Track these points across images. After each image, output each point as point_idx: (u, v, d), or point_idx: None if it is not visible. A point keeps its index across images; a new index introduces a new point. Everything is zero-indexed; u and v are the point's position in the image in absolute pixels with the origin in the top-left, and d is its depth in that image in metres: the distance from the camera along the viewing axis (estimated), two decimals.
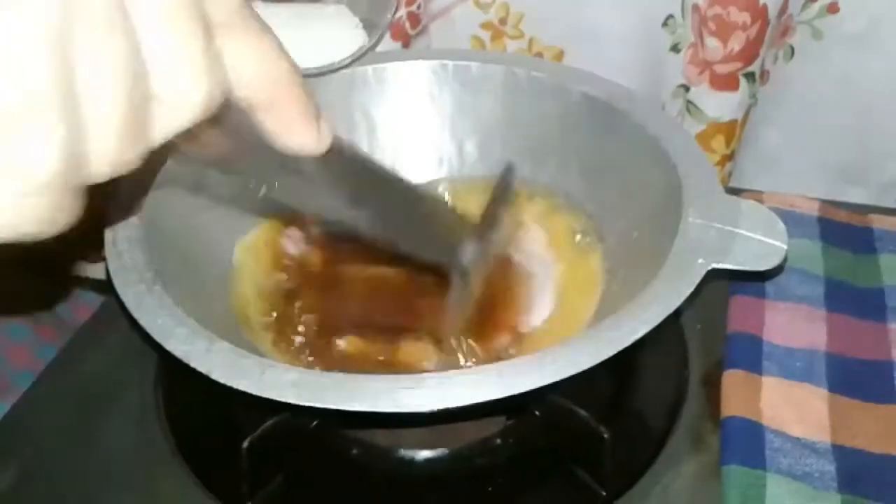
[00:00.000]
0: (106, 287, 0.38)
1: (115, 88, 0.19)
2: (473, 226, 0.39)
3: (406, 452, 0.42)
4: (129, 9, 0.19)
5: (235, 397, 0.32)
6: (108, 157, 0.20)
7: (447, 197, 0.53)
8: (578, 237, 0.49)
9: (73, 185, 0.19)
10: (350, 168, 0.31)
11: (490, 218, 0.40)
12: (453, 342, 0.42)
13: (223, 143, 0.25)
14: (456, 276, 0.37)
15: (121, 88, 0.19)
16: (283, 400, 0.32)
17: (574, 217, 0.49)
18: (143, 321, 0.35)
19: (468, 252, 0.37)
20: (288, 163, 0.27)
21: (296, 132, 0.25)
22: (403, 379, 0.33)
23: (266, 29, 0.23)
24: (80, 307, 0.65)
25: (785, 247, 0.38)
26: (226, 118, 0.24)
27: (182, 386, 0.45)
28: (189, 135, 0.22)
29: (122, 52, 0.19)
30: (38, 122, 0.18)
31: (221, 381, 0.32)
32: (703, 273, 0.36)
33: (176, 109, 0.21)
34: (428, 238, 0.37)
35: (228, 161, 0.26)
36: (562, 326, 0.43)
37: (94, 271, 0.60)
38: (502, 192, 0.42)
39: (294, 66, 0.24)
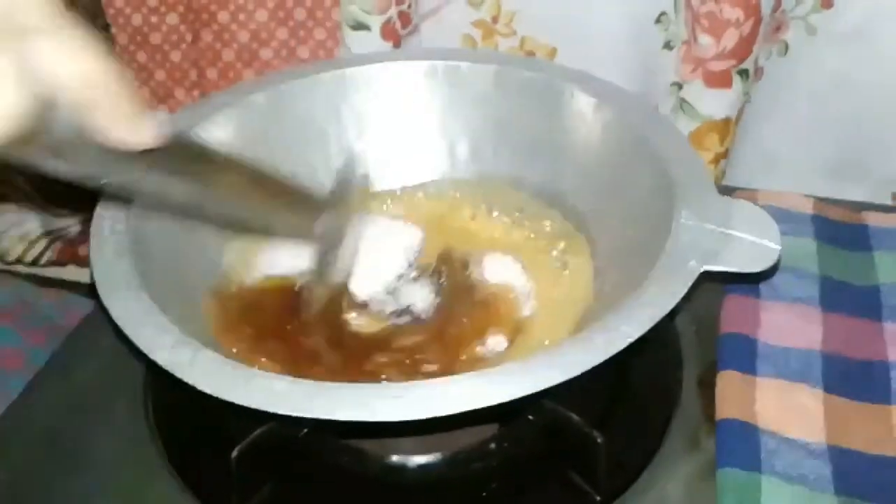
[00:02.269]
0: (96, 292, 0.37)
1: None
2: (325, 200, 0.42)
3: (398, 458, 0.42)
4: None
5: (223, 406, 0.32)
6: None
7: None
8: (564, 242, 0.48)
9: None
10: (188, 155, 0.33)
11: (337, 196, 0.43)
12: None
13: (50, 140, 0.26)
14: (316, 247, 0.41)
15: None
16: (270, 409, 0.31)
17: (565, 217, 0.49)
18: (129, 330, 0.35)
19: (322, 221, 0.41)
20: (119, 155, 0.28)
21: (117, 128, 0.26)
22: (392, 387, 0.32)
23: (88, 35, 0.24)
24: (72, 312, 0.64)
25: (778, 248, 0.38)
26: (49, 116, 0.25)
27: (171, 394, 0.44)
28: (17, 140, 0.23)
29: None
30: None
31: (208, 391, 0.32)
32: (695, 276, 0.36)
33: None
34: (281, 213, 0.40)
35: (61, 157, 0.27)
36: (551, 329, 0.43)
37: (85, 275, 0.60)
38: (345, 176, 0.45)
39: (111, 64, 0.25)
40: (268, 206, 0.39)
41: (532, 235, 0.50)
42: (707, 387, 0.45)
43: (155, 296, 0.37)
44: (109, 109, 0.26)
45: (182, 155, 0.33)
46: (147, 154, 0.29)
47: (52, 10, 0.23)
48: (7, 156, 0.24)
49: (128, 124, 0.27)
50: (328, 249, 0.42)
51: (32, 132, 0.24)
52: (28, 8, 0.22)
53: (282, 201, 0.40)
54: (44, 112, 0.24)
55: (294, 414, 0.31)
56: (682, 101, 0.61)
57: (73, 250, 0.82)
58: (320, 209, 0.41)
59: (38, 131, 0.24)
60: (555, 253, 0.48)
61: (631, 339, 0.33)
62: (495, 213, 0.51)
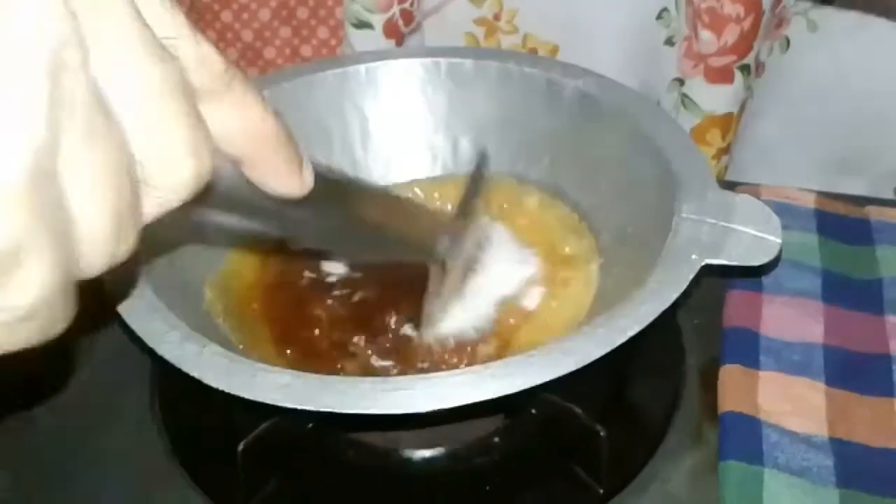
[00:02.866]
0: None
1: (105, 194, 0.18)
2: (448, 219, 0.40)
3: (403, 452, 0.42)
4: (110, 102, 0.19)
5: (230, 400, 0.32)
6: (100, 260, 0.19)
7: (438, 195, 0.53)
8: (570, 235, 0.48)
9: (66, 294, 0.19)
10: (329, 197, 0.31)
11: (465, 208, 0.41)
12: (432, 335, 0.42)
13: (210, 199, 0.25)
14: (433, 267, 0.38)
15: (110, 193, 0.18)
16: (276, 403, 0.31)
17: (569, 213, 0.49)
18: (135, 326, 0.35)
19: (444, 244, 0.38)
20: (271, 204, 0.27)
21: (281, 182, 0.26)
22: (397, 380, 0.32)
23: (250, 86, 0.24)
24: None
25: (779, 241, 0.38)
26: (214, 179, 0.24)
27: (177, 389, 0.45)
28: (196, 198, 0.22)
29: (108, 156, 0.18)
30: (27, 257, 0.17)
31: (214, 385, 0.32)
32: (696, 269, 0.36)
33: (167, 192, 0.20)
34: (407, 242, 0.38)
35: (216, 209, 0.26)
36: (557, 323, 0.43)
37: None
38: (476, 183, 0.43)
39: (278, 118, 0.25)
40: (398, 231, 0.37)
41: (537, 229, 0.50)
42: (709, 380, 0.45)
43: (161, 292, 0.37)
44: (275, 165, 0.25)
45: (326, 190, 0.31)
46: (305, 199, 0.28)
47: (224, 71, 0.22)
48: (178, 213, 0.23)
49: (290, 179, 0.26)
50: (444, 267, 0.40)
51: (207, 189, 0.23)
52: (202, 73, 0.21)
53: (410, 223, 0.39)
54: (218, 170, 0.23)
55: (300, 407, 0.31)
56: (684, 96, 0.62)
57: None
58: (444, 226, 0.40)
59: (211, 188, 0.24)
60: (561, 246, 0.48)
61: (633, 332, 0.33)
62: (499, 208, 0.51)
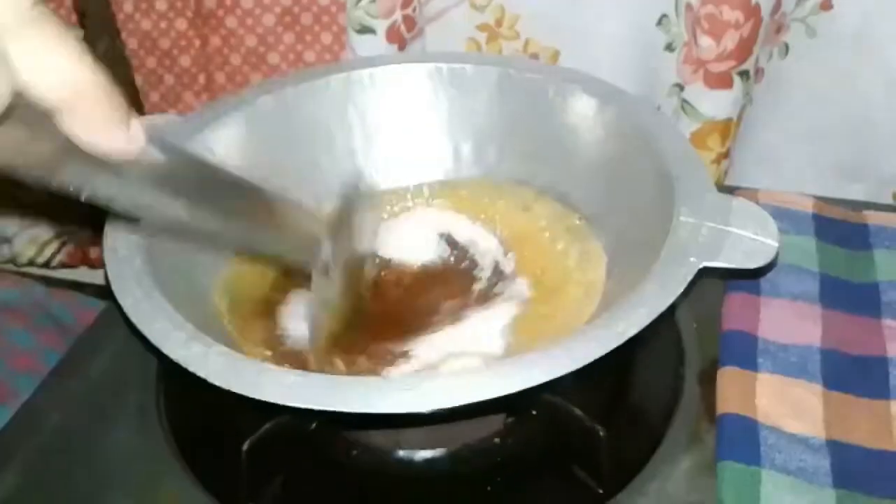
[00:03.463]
0: (107, 292, 0.38)
1: None
2: (327, 224, 0.40)
3: (405, 453, 0.43)
4: None
5: (234, 400, 0.33)
6: None
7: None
8: (574, 238, 0.49)
9: None
10: (183, 170, 0.31)
11: (340, 217, 0.41)
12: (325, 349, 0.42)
13: (34, 148, 0.25)
14: (316, 274, 0.39)
15: None
16: (281, 402, 0.32)
17: (571, 217, 0.50)
18: (142, 326, 0.36)
19: (325, 248, 0.39)
20: (104, 166, 0.27)
21: (100, 135, 0.25)
22: (399, 380, 0.33)
23: (65, 34, 0.23)
24: (83, 312, 0.65)
25: (776, 244, 0.38)
26: (27, 117, 0.24)
27: (182, 389, 0.45)
28: None
29: None
30: None
31: (219, 384, 0.33)
32: (694, 272, 0.36)
33: None
34: (281, 237, 0.38)
35: (43, 166, 0.26)
36: (562, 325, 0.44)
37: (96, 277, 0.60)
38: (350, 196, 0.43)
39: (95, 70, 0.24)
40: (267, 228, 0.37)
41: (542, 233, 0.50)
42: (708, 382, 0.45)
43: (167, 292, 0.37)
44: (91, 117, 0.25)
45: (177, 171, 0.31)
46: (135, 167, 0.27)
47: (30, 9, 0.22)
48: None
49: (111, 133, 0.25)
50: (328, 273, 0.40)
51: (10, 132, 0.23)
52: (7, 4, 0.22)
53: (282, 222, 0.38)
54: (23, 113, 0.23)
55: (304, 407, 0.32)
56: (684, 102, 0.62)
57: (85, 252, 0.83)
58: (322, 232, 0.40)
59: (16, 132, 0.24)
60: (563, 247, 0.49)
61: (632, 333, 0.34)
62: (501, 212, 0.52)
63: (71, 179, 0.27)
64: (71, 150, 0.26)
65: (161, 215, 0.32)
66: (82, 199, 0.28)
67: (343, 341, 0.43)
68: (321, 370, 0.41)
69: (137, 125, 0.26)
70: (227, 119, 0.49)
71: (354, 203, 0.44)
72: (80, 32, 0.66)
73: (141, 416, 0.46)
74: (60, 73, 0.24)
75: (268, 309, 0.46)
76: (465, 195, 0.53)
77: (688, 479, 0.42)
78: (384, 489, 0.43)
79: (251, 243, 0.38)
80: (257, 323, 0.45)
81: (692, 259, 0.37)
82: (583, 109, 0.49)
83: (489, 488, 0.42)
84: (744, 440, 0.42)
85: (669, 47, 0.63)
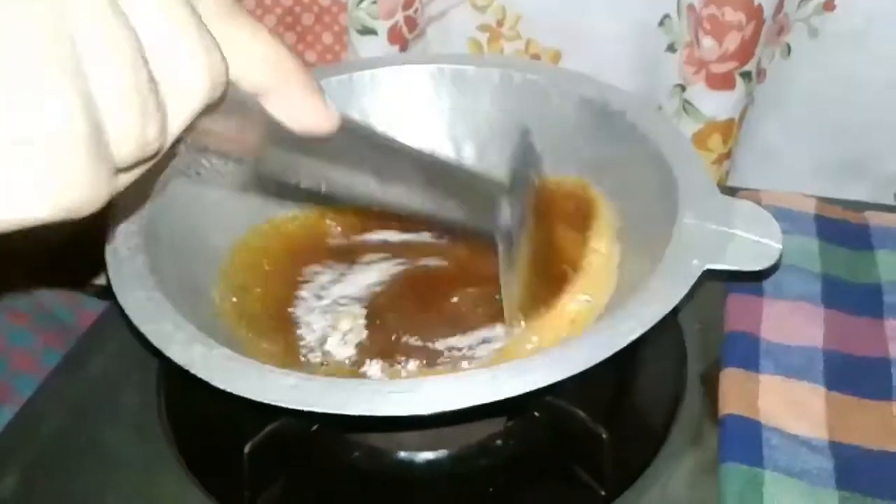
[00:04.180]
0: (109, 292, 0.38)
1: (120, 69, 0.20)
2: (505, 187, 0.39)
3: (406, 454, 0.43)
4: (126, 11, 0.21)
5: (236, 402, 0.33)
6: (128, 134, 0.21)
7: None
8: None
9: (102, 158, 0.21)
10: (368, 143, 0.32)
11: (518, 179, 0.40)
12: (516, 312, 0.42)
13: (240, 133, 0.26)
14: (500, 241, 0.38)
15: (125, 70, 0.20)
16: (282, 405, 0.32)
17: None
18: (143, 327, 0.36)
19: (505, 213, 0.38)
20: (306, 145, 0.28)
21: (306, 112, 0.27)
22: (400, 383, 0.33)
23: (258, 23, 0.25)
24: (84, 313, 0.65)
25: (779, 246, 0.38)
26: (237, 107, 0.25)
27: (184, 391, 0.45)
28: (205, 125, 0.24)
29: (121, 37, 0.20)
30: (49, 83, 0.19)
31: (221, 386, 0.33)
32: (697, 274, 0.36)
33: (181, 96, 0.22)
34: (462, 203, 0.37)
35: (249, 150, 0.27)
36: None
37: (98, 277, 0.60)
38: (523, 153, 0.42)
39: (292, 54, 0.25)
40: (445, 195, 0.37)
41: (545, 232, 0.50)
42: (710, 383, 0.45)
43: (169, 293, 0.37)
44: (296, 94, 0.26)
45: (364, 141, 0.32)
46: (326, 142, 0.28)
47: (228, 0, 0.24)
48: (197, 142, 0.25)
49: (315, 108, 0.27)
50: (511, 239, 0.39)
51: (221, 117, 0.24)
52: None
53: (462, 189, 0.38)
54: (232, 97, 0.24)
55: (306, 409, 0.32)
56: (686, 102, 0.62)
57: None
58: (501, 196, 0.39)
59: (226, 117, 0.25)
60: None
61: (635, 336, 0.34)
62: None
63: (278, 163, 0.29)
64: (278, 134, 0.27)
65: (357, 191, 0.33)
66: (291, 182, 0.30)
67: (527, 304, 0.42)
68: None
69: (332, 103, 0.28)
70: None
71: (529, 163, 0.43)
72: None
73: (141, 418, 0.46)
74: (265, 58, 0.25)
75: (278, 310, 0.46)
76: None
77: (690, 481, 0.42)
78: (385, 491, 0.43)
79: (436, 211, 0.37)
80: (269, 326, 0.45)
81: (695, 261, 0.37)
82: (584, 110, 0.49)
83: (491, 490, 0.42)
84: (746, 442, 0.41)
85: (671, 48, 0.63)
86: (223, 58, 0.23)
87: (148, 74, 0.21)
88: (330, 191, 0.32)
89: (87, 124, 0.20)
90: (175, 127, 0.22)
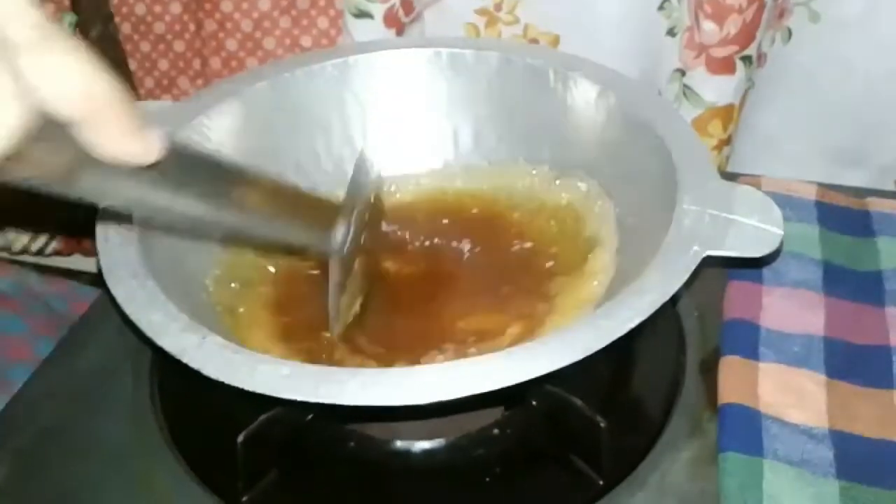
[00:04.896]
0: (101, 280, 0.38)
1: None
2: (339, 209, 0.40)
3: (403, 444, 0.42)
4: None
5: (230, 391, 0.32)
6: None
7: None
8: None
9: None
10: (195, 169, 0.32)
11: (351, 202, 0.42)
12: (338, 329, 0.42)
13: (52, 160, 0.25)
14: (333, 260, 0.39)
15: None
16: (275, 394, 0.31)
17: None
18: (135, 317, 0.35)
19: (339, 233, 0.39)
20: (120, 173, 0.27)
21: (118, 144, 0.25)
22: (395, 372, 0.32)
23: (77, 46, 0.23)
24: (76, 301, 0.65)
25: (781, 232, 0.38)
26: (50, 135, 0.24)
27: (177, 380, 0.45)
28: (16, 156, 0.23)
29: None
30: None
31: (214, 376, 0.32)
32: (697, 261, 0.36)
33: None
34: (295, 225, 0.38)
35: (61, 178, 0.26)
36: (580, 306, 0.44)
37: (90, 265, 0.60)
38: (359, 178, 0.43)
39: (110, 80, 0.24)
40: (282, 218, 0.38)
41: (545, 220, 0.50)
42: (709, 372, 0.45)
43: (161, 282, 0.37)
44: (109, 126, 0.25)
45: (188, 168, 0.31)
46: (150, 169, 0.28)
47: (41, 21, 0.23)
48: (4, 176, 0.24)
49: (129, 141, 0.26)
50: (344, 257, 0.40)
51: (30, 150, 0.23)
52: (16, 22, 0.22)
53: (295, 211, 0.39)
54: (40, 128, 0.23)
55: (300, 399, 0.31)
56: (686, 87, 0.61)
57: (79, 240, 0.82)
58: (335, 217, 0.40)
59: (36, 148, 0.24)
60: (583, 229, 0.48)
61: (634, 324, 0.34)
62: (499, 198, 0.51)
63: (88, 189, 0.28)
64: (88, 160, 0.26)
65: (177, 215, 0.33)
66: (100, 206, 0.28)
67: (365, 326, 0.43)
68: (340, 359, 0.42)
69: (154, 132, 0.27)
70: (223, 105, 0.49)
71: (365, 185, 0.44)
72: (74, 17, 0.65)
73: (135, 407, 0.45)
74: (78, 85, 0.24)
75: (267, 298, 0.45)
76: (462, 182, 0.52)
77: (689, 470, 0.41)
78: (381, 480, 0.42)
79: (267, 235, 0.38)
80: (254, 312, 0.44)
81: (696, 248, 0.36)
82: (583, 95, 0.49)
83: (488, 479, 0.41)
84: (746, 430, 0.41)
85: (671, 32, 0.62)
86: (32, 100, 0.22)
87: None
88: (146, 215, 0.32)
89: None
90: None
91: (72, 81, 0.24)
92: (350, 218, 0.41)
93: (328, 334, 0.42)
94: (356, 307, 0.43)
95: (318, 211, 0.40)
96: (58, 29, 0.23)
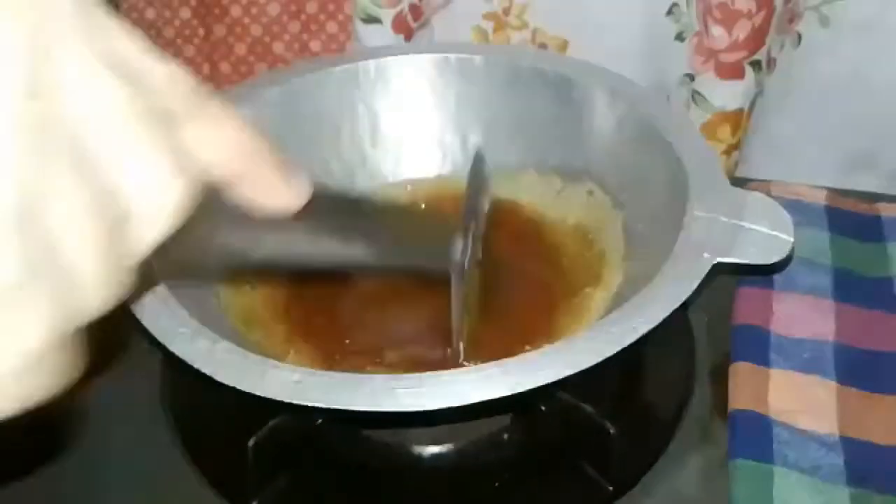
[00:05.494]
0: None
1: (92, 232, 0.18)
2: (456, 222, 0.39)
3: (412, 449, 0.42)
4: (83, 133, 0.18)
5: (240, 397, 0.32)
6: (96, 302, 0.19)
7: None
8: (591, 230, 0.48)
9: (69, 337, 0.18)
10: (328, 207, 0.31)
11: (470, 210, 0.40)
12: (462, 346, 0.41)
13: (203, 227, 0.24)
14: (453, 275, 0.38)
15: (96, 230, 0.18)
16: (286, 400, 0.32)
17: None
18: (146, 322, 0.35)
19: (457, 249, 0.37)
20: (268, 224, 0.26)
21: (271, 196, 0.25)
22: (405, 378, 0.32)
23: (224, 105, 0.23)
24: None
25: (791, 239, 0.38)
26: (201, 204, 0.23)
27: (187, 385, 0.45)
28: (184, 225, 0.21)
29: (89, 191, 0.18)
30: (23, 303, 0.17)
31: (224, 381, 0.32)
32: (708, 268, 0.36)
33: (155, 221, 0.20)
34: (418, 248, 0.37)
35: (211, 238, 0.26)
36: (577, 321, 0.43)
37: None
38: (476, 182, 0.42)
39: (256, 133, 0.24)
40: (402, 241, 0.36)
41: (556, 223, 0.50)
42: (719, 378, 0.45)
43: (173, 288, 0.37)
44: (262, 180, 0.24)
45: (325, 208, 0.30)
46: (295, 217, 0.27)
47: (193, 91, 0.22)
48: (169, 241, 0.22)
49: (280, 192, 0.25)
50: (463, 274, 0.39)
51: (196, 215, 0.22)
52: (173, 94, 0.21)
53: (414, 232, 0.38)
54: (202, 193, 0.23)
55: (310, 405, 0.31)
56: (695, 92, 0.61)
57: None
58: (454, 232, 0.38)
59: (200, 213, 0.23)
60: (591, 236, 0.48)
61: (644, 331, 0.33)
62: (509, 205, 0.51)
63: (242, 243, 0.28)
64: (240, 214, 0.25)
65: (313, 256, 0.32)
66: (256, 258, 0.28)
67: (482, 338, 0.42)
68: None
69: (300, 175, 0.26)
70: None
71: (480, 189, 0.42)
72: None
73: (146, 412, 0.45)
74: (234, 144, 0.23)
75: (278, 304, 0.45)
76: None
77: (699, 477, 0.41)
78: (391, 485, 0.42)
79: (391, 262, 0.36)
80: (265, 318, 0.44)
81: (706, 255, 0.36)
82: (592, 101, 0.49)
83: (497, 485, 0.41)
84: (756, 437, 0.41)
85: (680, 37, 0.62)
86: (195, 173, 0.21)
87: (116, 219, 0.19)
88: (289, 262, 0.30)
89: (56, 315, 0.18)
90: (141, 255, 0.20)
91: (230, 142, 0.23)
92: (468, 231, 0.39)
93: (347, 341, 0.42)
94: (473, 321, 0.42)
95: (435, 228, 0.39)
96: (206, 90, 0.23)
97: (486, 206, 0.42)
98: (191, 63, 0.71)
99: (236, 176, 0.24)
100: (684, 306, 0.35)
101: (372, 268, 0.37)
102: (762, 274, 0.48)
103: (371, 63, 0.52)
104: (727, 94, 0.60)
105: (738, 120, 0.62)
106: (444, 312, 0.39)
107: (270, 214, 0.25)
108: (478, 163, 0.43)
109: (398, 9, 0.61)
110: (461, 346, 0.40)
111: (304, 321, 0.45)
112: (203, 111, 0.22)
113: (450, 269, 0.37)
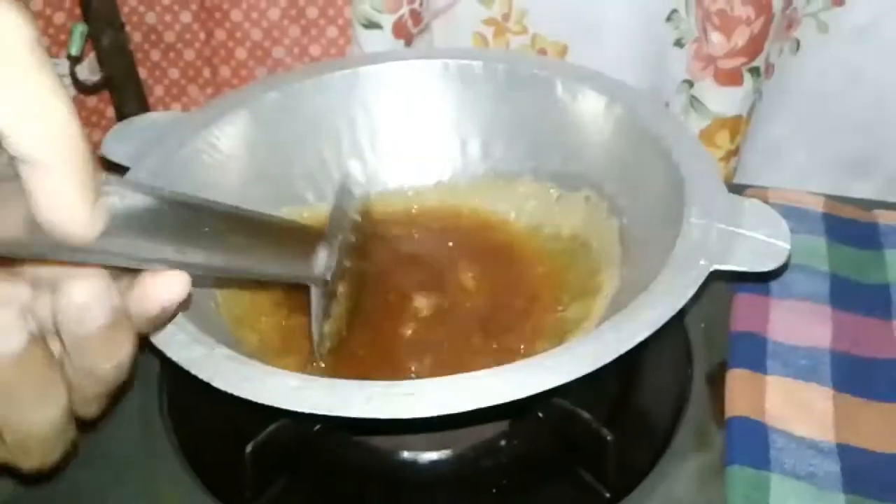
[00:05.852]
0: None
1: None
2: (320, 235, 0.39)
3: (409, 455, 0.42)
4: None
5: (237, 402, 0.32)
6: None
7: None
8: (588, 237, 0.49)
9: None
10: (165, 213, 0.29)
11: (334, 227, 0.41)
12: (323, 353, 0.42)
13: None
14: (315, 289, 0.38)
15: None
16: (283, 406, 0.32)
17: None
18: None
19: (320, 261, 0.38)
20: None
21: (64, 206, 0.22)
22: (403, 385, 0.33)
23: (60, 87, 0.21)
24: None
25: (788, 246, 0.38)
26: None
27: (185, 390, 0.45)
28: None
29: None
30: None
31: (222, 387, 0.32)
32: (705, 275, 0.36)
33: None
34: (276, 258, 0.37)
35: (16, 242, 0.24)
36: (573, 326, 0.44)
37: None
38: (342, 196, 0.43)
39: (82, 133, 0.22)
40: (260, 252, 0.36)
41: (553, 229, 0.50)
42: (716, 384, 0.45)
43: None
44: (60, 179, 0.22)
45: (159, 215, 0.29)
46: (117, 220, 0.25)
47: (28, 48, 0.20)
48: None
49: (72, 206, 0.22)
50: (326, 285, 0.39)
51: None
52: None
53: (274, 242, 0.37)
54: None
55: (308, 411, 0.31)
56: (693, 98, 0.62)
57: None
58: (316, 243, 0.39)
59: None
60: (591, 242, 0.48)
61: (641, 338, 0.33)
62: (509, 211, 0.51)
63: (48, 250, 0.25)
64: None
65: (153, 262, 0.30)
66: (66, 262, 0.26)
67: (351, 349, 0.43)
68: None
69: (102, 205, 0.23)
70: (232, 115, 0.49)
71: (347, 209, 0.43)
72: (85, 27, 0.65)
73: (143, 418, 0.45)
74: (46, 126, 0.21)
75: (285, 307, 0.46)
76: (471, 193, 0.53)
77: (695, 483, 0.41)
78: (388, 491, 0.42)
79: (248, 271, 0.36)
80: (262, 324, 0.44)
81: (703, 262, 0.36)
82: (591, 107, 0.49)
83: (494, 491, 0.41)
84: (753, 444, 0.41)
85: (679, 43, 0.62)
86: None
87: None
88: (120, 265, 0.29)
89: None
90: None
91: (42, 119, 0.21)
92: (332, 243, 0.40)
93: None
94: (342, 329, 0.43)
95: (298, 239, 0.39)
96: (47, 63, 0.21)
97: (350, 223, 0.43)
98: (191, 67, 0.71)
99: (39, 163, 0.21)
100: (681, 313, 0.35)
101: (237, 277, 0.37)
102: (759, 281, 0.48)
103: (371, 68, 0.52)
104: (726, 101, 0.60)
105: (736, 126, 0.62)
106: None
107: (54, 231, 0.22)
108: (342, 190, 0.44)
109: (398, 14, 0.61)
110: (320, 353, 0.41)
111: (302, 326, 0.45)
112: (33, 77, 0.20)
113: (311, 282, 0.38)
